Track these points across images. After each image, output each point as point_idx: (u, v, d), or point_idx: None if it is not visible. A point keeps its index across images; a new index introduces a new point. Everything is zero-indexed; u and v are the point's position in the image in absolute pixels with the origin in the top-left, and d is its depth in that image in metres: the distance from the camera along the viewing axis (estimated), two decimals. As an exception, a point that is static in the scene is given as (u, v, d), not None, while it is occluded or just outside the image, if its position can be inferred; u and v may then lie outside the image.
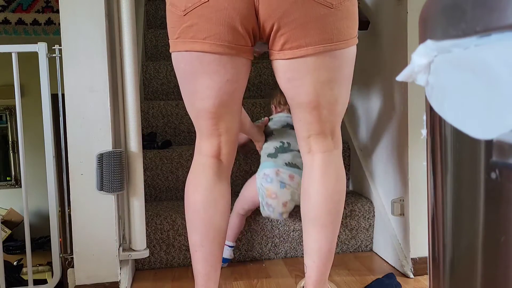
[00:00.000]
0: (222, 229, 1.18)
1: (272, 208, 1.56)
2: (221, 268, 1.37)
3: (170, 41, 1.09)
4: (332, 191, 1.17)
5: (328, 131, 1.16)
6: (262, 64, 2.42)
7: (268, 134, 1.69)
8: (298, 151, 1.59)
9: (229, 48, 1.03)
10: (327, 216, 1.16)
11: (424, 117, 0.53)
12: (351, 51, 1.09)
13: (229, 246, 1.67)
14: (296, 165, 1.58)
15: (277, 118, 1.74)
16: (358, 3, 1.86)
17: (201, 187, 1.16)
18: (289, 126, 1.67)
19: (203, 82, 1.07)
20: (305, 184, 1.20)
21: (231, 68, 1.06)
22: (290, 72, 1.07)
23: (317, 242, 1.17)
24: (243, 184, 1.92)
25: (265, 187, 1.55)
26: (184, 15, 1.02)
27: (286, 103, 1.77)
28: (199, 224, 1.16)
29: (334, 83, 1.08)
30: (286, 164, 1.58)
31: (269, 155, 1.61)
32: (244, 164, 1.93)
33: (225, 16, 1.00)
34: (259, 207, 1.62)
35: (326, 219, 1.17)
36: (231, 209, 1.69)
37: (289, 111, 1.74)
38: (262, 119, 1.78)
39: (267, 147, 1.64)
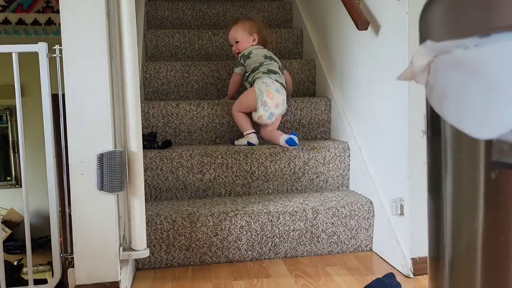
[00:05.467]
0: None
1: (268, 107, 1.97)
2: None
3: None
4: None
5: None
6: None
7: (256, 65, 2.12)
8: (279, 73, 2.10)
9: None
10: None
11: (424, 117, 0.53)
12: None
13: (253, 133, 2.03)
14: (282, 84, 2.05)
15: (257, 51, 2.17)
16: (358, 2, 1.86)
17: None
18: (268, 58, 2.14)
19: None
20: None
21: None
22: None
23: None
24: (243, 184, 1.94)
25: (265, 89, 1.99)
26: None
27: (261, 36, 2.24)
28: None
29: None
30: (275, 80, 2.04)
31: (264, 73, 2.06)
32: (244, 164, 1.93)
33: None
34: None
35: None
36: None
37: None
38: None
39: (260, 70, 2.08)
